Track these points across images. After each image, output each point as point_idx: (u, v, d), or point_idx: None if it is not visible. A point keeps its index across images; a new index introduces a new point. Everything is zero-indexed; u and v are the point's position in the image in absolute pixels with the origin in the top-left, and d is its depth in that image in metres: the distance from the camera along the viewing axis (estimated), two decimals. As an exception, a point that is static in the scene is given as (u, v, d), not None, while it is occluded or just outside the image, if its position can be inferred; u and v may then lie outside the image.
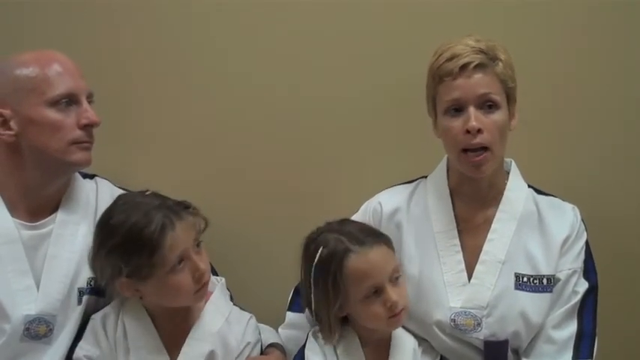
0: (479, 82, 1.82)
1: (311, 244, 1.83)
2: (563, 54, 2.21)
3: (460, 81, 1.82)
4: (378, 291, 1.76)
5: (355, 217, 2.04)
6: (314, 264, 1.78)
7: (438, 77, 1.86)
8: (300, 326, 2.00)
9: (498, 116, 1.84)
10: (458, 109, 1.84)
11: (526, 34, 2.18)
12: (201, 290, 1.83)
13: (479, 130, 1.81)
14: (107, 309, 1.90)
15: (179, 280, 1.78)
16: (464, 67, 1.81)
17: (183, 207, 1.82)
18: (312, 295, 1.79)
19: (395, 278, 1.79)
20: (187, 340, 1.83)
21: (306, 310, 1.91)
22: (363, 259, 1.76)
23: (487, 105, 1.83)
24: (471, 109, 1.82)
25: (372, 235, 1.82)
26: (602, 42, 2.24)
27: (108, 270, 1.79)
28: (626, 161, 2.27)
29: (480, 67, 1.82)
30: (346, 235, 1.80)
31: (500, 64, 1.84)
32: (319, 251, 1.78)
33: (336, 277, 1.75)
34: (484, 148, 1.83)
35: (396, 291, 1.78)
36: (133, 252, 1.75)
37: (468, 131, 1.82)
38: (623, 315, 2.24)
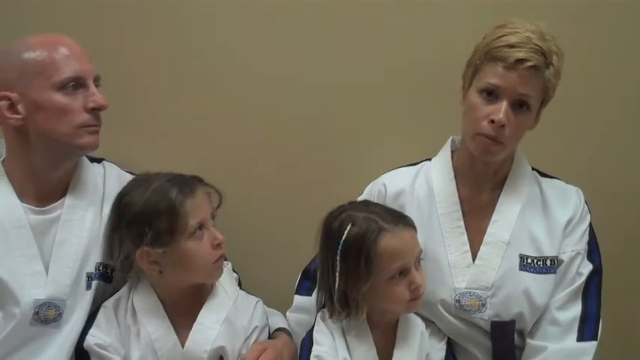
0: (524, 82, 1.80)
1: (334, 221, 1.81)
2: (569, 37, 2.17)
3: (509, 73, 1.80)
4: (403, 272, 1.77)
5: (360, 199, 2.04)
6: (342, 240, 1.77)
7: (491, 56, 1.82)
8: (308, 310, 2.01)
9: (526, 118, 1.84)
10: (493, 95, 1.82)
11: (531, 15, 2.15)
12: (218, 261, 1.86)
13: (502, 126, 1.81)
14: (118, 294, 1.90)
15: (198, 247, 1.82)
16: (519, 62, 1.78)
17: (198, 180, 1.88)
18: (338, 273, 1.77)
19: (418, 262, 1.81)
20: (195, 326, 1.84)
21: (316, 292, 1.90)
22: (398, 238, 1.77)
23: (520, 104, 1.82)
24: (505, 103, 1.81)
25: (402, 217, 1.83)
26: (607, 28, 2.24)
27: (128, 242, 1.82)
28: (630, 144, 2.27)
29: (533, 68, 1.79)
30: (375, 214, 1.80)
31: (552, 69, 1.82)
32: (347, 228, 1.77)
33: (370, 254, 1.75)
34: (498, 141, 1.83)
35: (420, 274, 1.80)
36: (155, 218, 1.78)
37: (492, 121, 1.81)
38: (628, 297, 2.25)
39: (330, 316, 1.83)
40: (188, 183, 1.85)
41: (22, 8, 2.26)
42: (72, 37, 1.90)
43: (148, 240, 1.79)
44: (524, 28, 1.82)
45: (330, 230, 1.82)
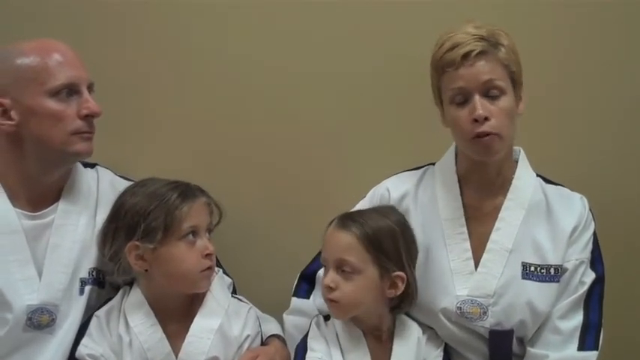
0: (482, 70, 1.80)
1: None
2: (574, 43, 2.20)
3: (463, 70, 1.80)
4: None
5: (362, 203, 2.04)
6: None
7: (441, 68, 1.84)
8: (306, 312, 2.00)
9: (504, 102, 1.82)
10: (463, 98, 1.82)
11: (537, 21, 2.16)
12: (206, 271, 1.85)
13: (486, 118, 1.80)
14: (110, 304, 1.90)
15: (187, 252, 1.83)
16: (466, 56, 1.79)
17: (201, 190, 1.90)
18: None
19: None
20: (188, 338, 1.84)
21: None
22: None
23: (492, 92, 1.81)
24: (477, 98, 1.80)
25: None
26: (614, 31, 2.20)
27: (122, 233, 1.83)
28: (636, 152, 2.24)
29: (481, 54, 1.80)
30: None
31: (503, 49, 1.82)
32: None
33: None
34: (493, 133, 1.81)
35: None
36: (151, 212, 1.81)
37: (475, 120, 1.80)
38: (630, 307, 2.23)
39: None
40: (191, 190, 1.87)
41: (21, 10, 2.26)
42: (69, 42, 1.89)
43: (140, 234, 1.80)
44: (458, 29, 1.84)
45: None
